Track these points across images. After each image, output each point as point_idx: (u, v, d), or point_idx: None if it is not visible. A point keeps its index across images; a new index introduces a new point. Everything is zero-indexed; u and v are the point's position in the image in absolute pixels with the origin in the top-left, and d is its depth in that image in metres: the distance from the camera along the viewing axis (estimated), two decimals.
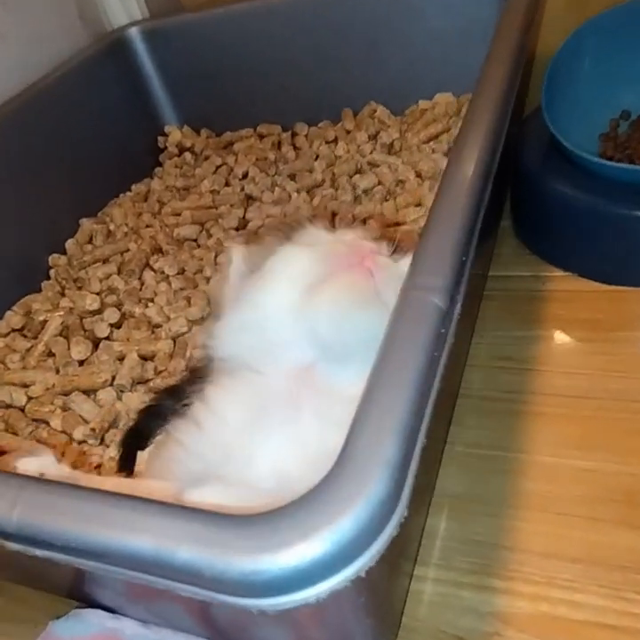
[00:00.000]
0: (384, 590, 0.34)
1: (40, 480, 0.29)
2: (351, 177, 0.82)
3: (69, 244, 0.84)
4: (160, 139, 1.00)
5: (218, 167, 0.93)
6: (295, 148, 0.92)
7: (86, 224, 0.87)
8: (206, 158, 0.95)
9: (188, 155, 0.98)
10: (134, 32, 0.94)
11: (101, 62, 0.91)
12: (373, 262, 0.41)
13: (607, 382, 0.58)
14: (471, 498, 0.52)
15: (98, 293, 0.76)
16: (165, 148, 1.00)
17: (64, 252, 0.84)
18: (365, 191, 0.79)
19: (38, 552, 0.28)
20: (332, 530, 0.23)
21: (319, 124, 0.93)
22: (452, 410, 0.57)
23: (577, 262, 0.70)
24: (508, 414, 0.57)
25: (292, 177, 0.86)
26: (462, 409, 0.58)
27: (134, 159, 0.97)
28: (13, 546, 0.29)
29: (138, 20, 0.97)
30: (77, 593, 0.47)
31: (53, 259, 0.82)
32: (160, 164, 0.99)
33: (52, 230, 0.84)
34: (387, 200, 0.76)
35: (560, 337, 0.64)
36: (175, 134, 1.00)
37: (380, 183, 0.79)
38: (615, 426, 0.54)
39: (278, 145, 0.94)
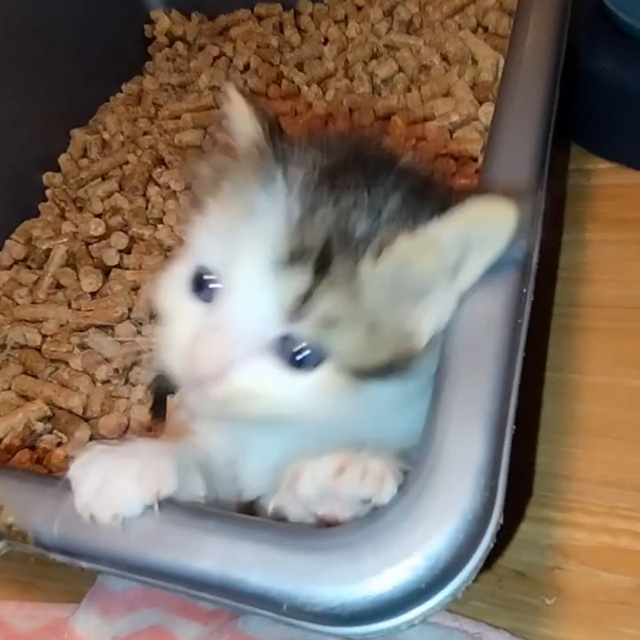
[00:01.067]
0: None
1: None
2: (367, 63, 0.73)
3: (63, 159, 0.77)
4: (147, 27, 0.90)
5: (215, 58, 0.83)
6: (300, 30, 0.82)
7: (78, 135, 0.79)
8: (201, 48, 0.85)
9: (179, 45, 0.88)
10: None
11: None
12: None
13: None
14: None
15: (100, 215, 0.70)
16: (154, 37, 0.89)
17: (58, 169, 0.77)
18: (385, 81, 0.70)
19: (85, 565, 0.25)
20: (423, 554, 0.20)
21: (325, 0, 0.82)
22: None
23: (627, 151, 0.63)
24: (559, 331, 0.53)
25: (300, 67, 0.77)
26: None
27: (121, 54, 0.87)
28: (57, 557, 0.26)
29: None
30: None
31: (48, 177, 0.76)
32: (150, 58, 0.89)
33: (43, 145, 0.77)
34: (410, 91, 0.68)
35: (610, 240, 0.58)
36: (163, 21, 0.89)
37: (400, 70, 0.70)
38: None
39: (280, 28, 0.84)
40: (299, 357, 0.29)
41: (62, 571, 0.50)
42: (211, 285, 0.31)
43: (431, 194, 0.33)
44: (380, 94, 0.70)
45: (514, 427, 0.24)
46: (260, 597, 0.21)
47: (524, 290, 0.27)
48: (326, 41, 0.78)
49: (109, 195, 0.72)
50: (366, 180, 0.32)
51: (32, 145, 0.76)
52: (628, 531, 0.43)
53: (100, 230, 0.67)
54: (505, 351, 0.24)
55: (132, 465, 0.27)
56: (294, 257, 0.28)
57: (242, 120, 0.35)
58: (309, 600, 0.20)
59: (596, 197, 0.62)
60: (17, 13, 0.74)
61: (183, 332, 0.30)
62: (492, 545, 0.22)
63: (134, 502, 0.26)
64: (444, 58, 0.69)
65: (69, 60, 0.80)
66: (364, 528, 0.21)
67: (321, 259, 0.29)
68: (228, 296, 0.30)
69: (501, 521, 0.22)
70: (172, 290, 0.32)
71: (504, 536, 0.44)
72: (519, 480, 0.40)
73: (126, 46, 0.88)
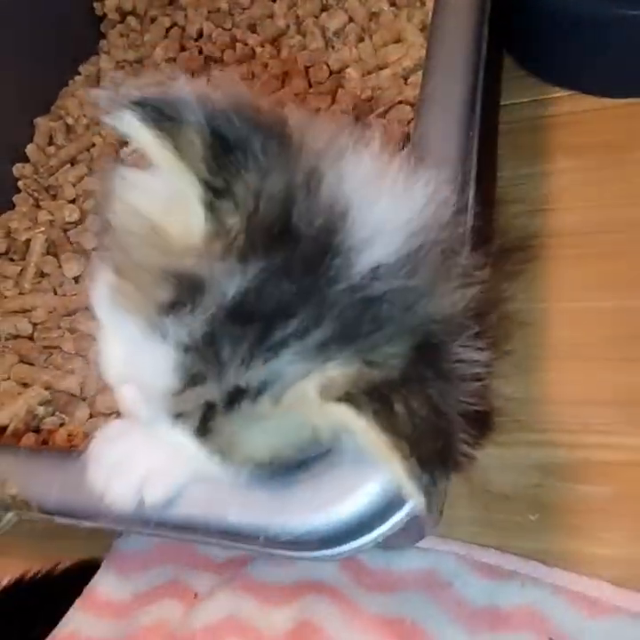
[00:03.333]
0: None
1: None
2: (318, 17, 0.73)
3: (30, 149, 0.78)
4: (96, 5, 0.89)
5: (168, 29, 0.83)
6: None
7: (42, 123, 0.79)
8: (153, 20, 0.85)
9: (131, 19, 0.87)
10: None
11: None
12: None
13: (625, 212, 0.55)
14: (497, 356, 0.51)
15: (74, 201, 0.71)
16: (104, 15, 0.89)
17: (27, 160, 0.77)
18: (336, 33, 0.70)
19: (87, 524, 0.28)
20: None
21: None
22: None
23: (581, 77, 0.64)
24: (525, 263, 0.55)
25: (253, 28, 0.77)
26: None
27: (74, 36, 0.86)
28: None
29: None
30: None
31: (18, 168, 0.76)
32: (103, 36, 0.88)
33: (8, 137, 0.77)
34: (362, 40, 0.68)
35: (570, 168, 0.60)
36: None
37: (351, 20, 0.70)
38: (637, 259, 0.52)
39: None
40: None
41: (78, 542, 0.53)
42: None
43: None
44: (333, 47, 0.70)
45: None
46: (239, 533, 0.24)
47: None
48: None
49: (80, 179, 0.73)
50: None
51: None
52: (603, 444, 0.46)
53: (76, 216, 0.68)
54: None
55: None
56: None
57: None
58: (281, 531, 0.23)
59: (553, 127, 0.62)
60: None
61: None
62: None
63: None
64: (393, 3, 0.68)
65: (23, 48, 0.79)
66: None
67: None
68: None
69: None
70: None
71: (486, 464, 0.47)
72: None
73: (78, 27, 0.87)
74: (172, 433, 0.27)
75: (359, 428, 0.23)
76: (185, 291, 0.25)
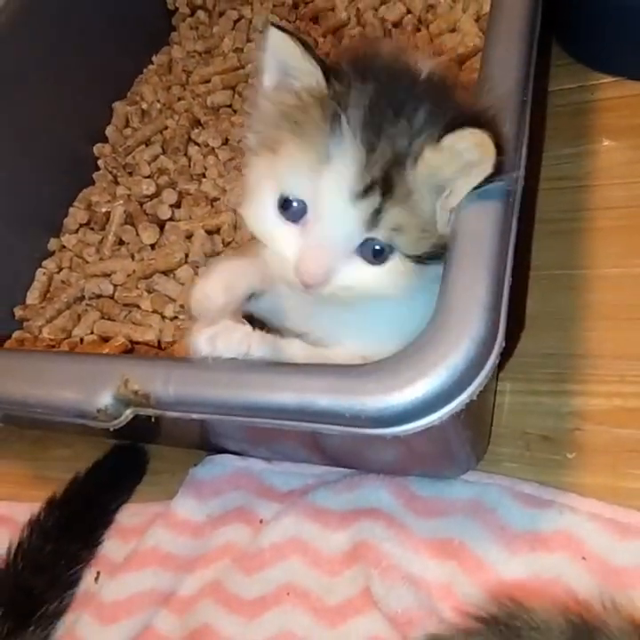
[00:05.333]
0: (478, 408, 0.40)
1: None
2: (377, 10, 0.78)
3: (109, 130, 0.85)
4: (168, 0, 0.96)
5: (235, 22, 0.89)
6: None
7: (119, 107, 0.86)
8: (221, 14, 0.91)
9: (201, 13, 0.93)
10: None
11: None
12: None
13: None
14: (542, 316, 0.56)
15: (149, 176, 0.78)
16: (176, 8, 0.96)
17: (106, 140, 0.85)
18: (395, 24, 0.76)
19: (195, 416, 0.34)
20: (445, 366, 0.28)
21: None
22: (531, 237, 0.59)
23: (626, 64, 0.67)
24: (570, 233, 0.59)
25: (315, 20, 0.83)
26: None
27: (148, 28, 0.93)
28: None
29: None
30: (208, 444, 0.55)
31: (98, 148, 0.84)
32: (175, 29, 0.95)
33: (90, 120, 0.85)
34: (419, 30, 0.73)
35: (613, 148, 0.64)
36: None
37: (409, 12, 0.75)
38: None
39: None
40: (376, 252, 0.38)
41: (157, 476, 0.59)
42: (293, 207, 0.39)
43: (448, 102, 0.39)
44: (391, 38, 0.75)
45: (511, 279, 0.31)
46: (329, 413, 0.29)
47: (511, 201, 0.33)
48: None
49: (155, 158, 0.79)
50: (399, 104, 0.39)
51: (80, 121, 0.84)
52: (637, 393, 0.50)
53: (151, 189, 0.75)
54: (497, 240, 0.31)
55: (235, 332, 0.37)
56: (366, 189, 0.37)
57: (294, 59, 0.39)
58: (364, 408, 0.28)
59: (599, 110, 0.66)
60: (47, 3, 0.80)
61: (287, 251, 0.39)
62: (497, 362, 0.29)
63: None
64: None
65: (103, 39, 0.86)
66: (401, 354, 0.29)
67: (384, 184, 0.37)
68: (321, 222, 0.38)
69: (504, 344, 0.30)
70: (263, 216, 0.40)
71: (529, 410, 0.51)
72: None
73: (152, 20, 0.95)
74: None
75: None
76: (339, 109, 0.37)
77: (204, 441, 0.54)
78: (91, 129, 0.85)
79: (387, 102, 0.38)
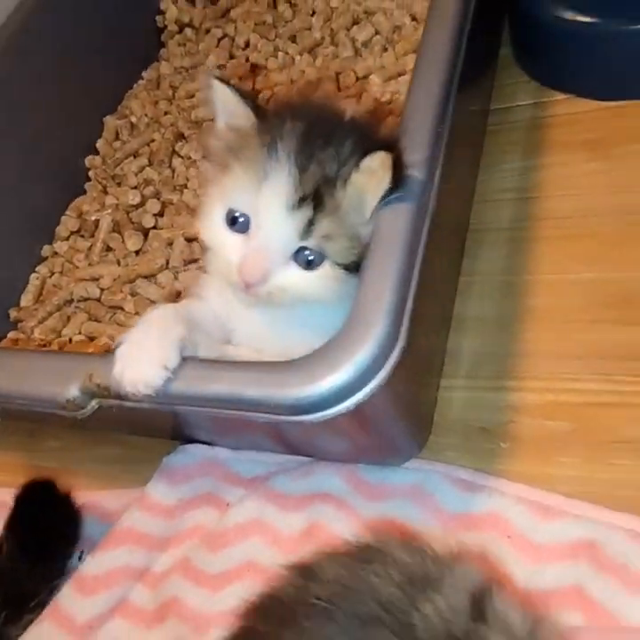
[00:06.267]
0: (409, 399, 0.45)
1: None
2: (349, 30, 0.83)
3: (100, 143, 0.90)
4: (158, 18, 1.01)
5: (220, 39, 0.95)
6: (291, 5, 0.93)
7: (110, 121, 0.92)
8: (207, 31, 0.97)
9: (188, 30, 0.99)
10: None
11: None
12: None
13: (609, 199, 0.64)
14: (487, 318, 0.61)
15: (136, 187, 0.83)
16: (165, 26, 1.01)
17: (97, 153, 0.90)
18: (364, 43, 0.81)
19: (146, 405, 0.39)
20: (351, 362, 0.33)
21: None
22: (462, 245, 0.64)
23: (577, 82, 0.72)
24: (515, 242, 0.64)
25: (293, 39, 0.88)
26: (474, 243, 0.65)
27: (138, 45, 0.99)
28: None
29: None
30: (179, 435, 0.60)
31: (89, 160, 0.89)
32: (163, 45, 1.01)
33: (82, 133, 0.90)
34: (386, 50, 0.78)
35: (562, 162, 0.68)
36: (172, 10, 1.00)
37: (377, 33, 0.80)
38: (615, 239, 0.61)
39: (274, 4, 0.94)
40: (309, 259, 0.43)
41: (137, 465, 0.64)
42: (239, 221, 0.44)
43: (370, 136, 0.45)
44: (361, 56, 0.81)
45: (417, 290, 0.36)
46: (256, 403, 0.34)
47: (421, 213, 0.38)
48: (314, 13, 0.89)
49: (141, 169, 0.85)
50: (328, 137, 0.45)
51: (73, 134, 0.89)
52: (568, 389, 0.55)
53: (137, 200, 0.81)
54: (403, 248, 0.36)
55: (148, 352, 0.41)
56: (300, 201, 0.43)
57: (235, 104, 0.47)
58: (284, 399, 0.33)
59: (551, 126, 0.71)
60: (42, 17, 0.86)
61: (232, 255, 0.44)
62: (399, 359, 0.34)
63: (153, 378, 0.39)
64: (414, 18, 0.78)
65: (95, 56, 0.92)
66: (315, 352, 0.34)
67: (316, 198, 0.43)
68: (261, 230, 0.44)
69: (405, 345, 0.35)
70: (213, 228, 0.46)
71: (468, 404, 0.56)
72: None
73: (142, 37, 1.00)
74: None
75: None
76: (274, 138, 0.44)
77: (176, 432, 0.59)
78: (83, 141, 0.90)
79: (317, 134, 0.44)
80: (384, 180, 0.41)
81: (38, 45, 0.85)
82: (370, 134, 0.45)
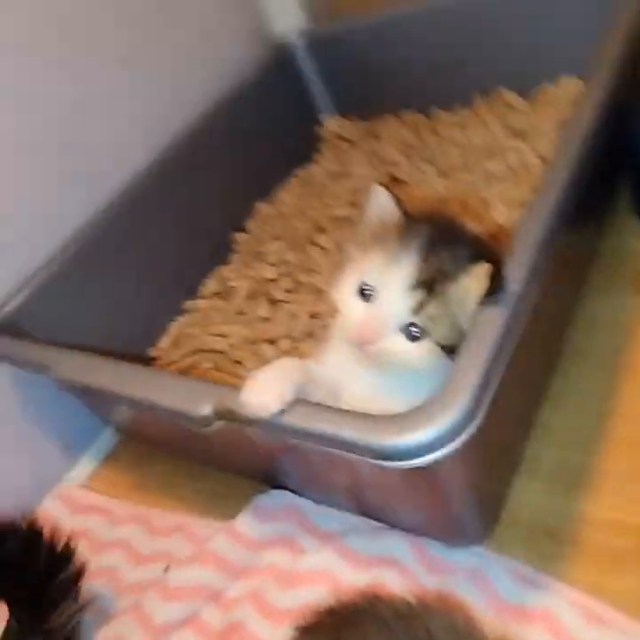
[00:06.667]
0: (481, 478, 0.51)
1: None
2: (482, 161, 0.94)
3: (249, 224, 1.05)
4: (318, 129, 1.18)
5: (368, 153, 1.09)
6: (433, 133, 1.06)
7: (262, 207, 1.07)
8: (358, 145, 1.12)
9: (342, 142, 1.14)
10: (297, 42, 1.11)
11: (269, 69, 1.10)
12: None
13: None
14: (572, 431, 0.66)
15: (274, 265, 0.96)
16: (323, 136, 1.17)
17: (245, 231, 1.05)
18: (495, 174, 0.91)
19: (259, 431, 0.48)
20: (433, 423, 0.40)
21: (454, 109, 1.06)
22: (553, 358, 0.69)
23: None
24: (607, 370, 0.69)
25: (431, 161, 1.00)
26: (572, 363, 0.71)
27: (297, 147, 1.15)
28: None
29: (301, 31, 1.13)
30: (270, 478, 0.68)
31: (238, 236, 1.04)
32: (319, 151, 1.17)
33: (236, 213, 1.05)
34: (513, 183, 0.88)
35: None
36: (331, 124, 1.17)
37: (508, 167, 0.91)
38: None
39: (418, 130, 1.08)
40: (414, 334, 0.52)
41: (223, 500, 0.72)
42: (366, 293, 0.54)
43: (480, 248, 0.54)
44: (490, 184, 0.91)
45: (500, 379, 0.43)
46: (349, 444, 0.42)
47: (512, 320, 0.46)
48: (452, 141, 1.01)
49: (281, 250, 0.98)
50: (450, 241, 0.54)
51: (228, 212, 1.05)
52: (637, 511, 0.58)
53: (273, 275, 0.93)
54: (497, 343, 0.44)
55: (270, 385, 0.49)
56: (417, 284, 0.52)
57: (387, 205, 0.57)
58: (371, 442, 0.40)
59: None
60: (224, 116, 1.03)
61: (355, 317, 0.54)
62: (475, 432, 0.41)
63: (270, 405, 0.48)
64: (542, 159, 0.88)
65: (260, 151, 1.09)
66: (407, 411, 0.41)
67: (430, 285, 0.52)
68: (382, 301, 0.53)
69: (480, 423, 0.41)
70: (346, 295, 0.56)
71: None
72: None
73: (302, 142, 1.17)
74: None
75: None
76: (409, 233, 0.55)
77: (268, 475, 0.67)
78: (235, 219, 1.05)
79: (442, 236, 0.53)
80: (483, 286, 0.49)
81: (217, 139, 1.02)
82: (484, 248, 0.54)
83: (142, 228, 0.90)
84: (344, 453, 0.43)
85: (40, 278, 0.77)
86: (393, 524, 0.61)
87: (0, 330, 0.71)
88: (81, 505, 0.80)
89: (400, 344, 0.52)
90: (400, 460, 0.41)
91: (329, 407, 0.46)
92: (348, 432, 0.42)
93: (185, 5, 1.00)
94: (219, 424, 0.50)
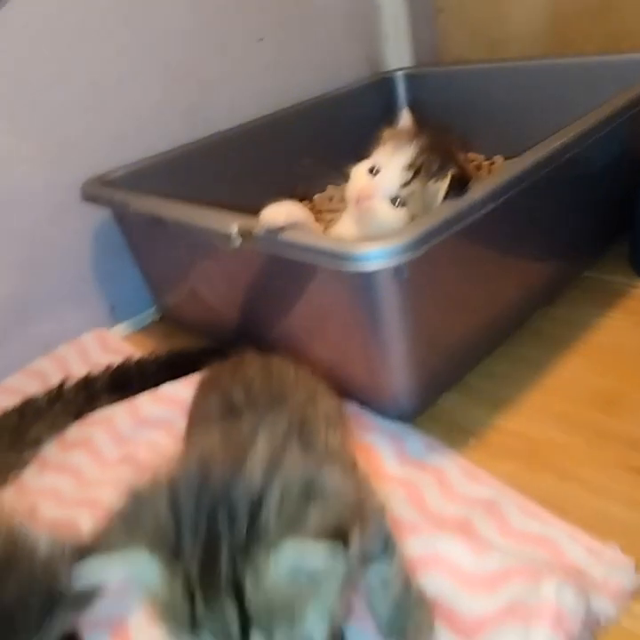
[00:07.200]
0: (419, 333, 0.67)
1: None
2: None
3: None
4: None
5: None
6: None
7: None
8: None
9: None
10: (399, 75, 1.34)
11: (366, 92, 1.32)
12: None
13: None
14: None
15: None
16: None
17: None
18: None
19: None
20: (384, 242, 0.57)
21: None
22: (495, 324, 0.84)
23: None
24: None
25: None
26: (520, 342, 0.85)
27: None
28: None
29: (404, 67, 1.37)
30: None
31: None
32: None
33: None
34: None
35: None
36: None
37: None
38: None
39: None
40: (397, 203, 0.72)
41: None
42: (373, 171, 0.75)
43: (456, 165, 0.71)
44: None
45: None
46: (329, 254, 0.60)
47: None
48: None
49: None
50: (439, 153, 0.72)
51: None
52: None
53: None
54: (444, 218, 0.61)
55: (282, 209, 0.66)
56: (409, 167, 0.72)
57: (407, 121, 0.80)
58: (344, 252, 0.58)
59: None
60: (308, 111, 1.25)
61: (360, 183, 0.76)
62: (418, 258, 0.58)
63: (279, 219, 0.64)
64: None
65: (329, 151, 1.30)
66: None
67: (417, 171, 0.73)
68: (382, 175, 0.74)
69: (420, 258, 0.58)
70: (360, 172, 0.77)
71: None
72: None
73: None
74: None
75: None
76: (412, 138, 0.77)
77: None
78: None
79: (436, 148, 0.74)
80: (446, 187, 0.67)
81: (302, 122, 1.23)
82: (461, 168, 0.73)
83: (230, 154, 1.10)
84: (321, 261, 0.61)
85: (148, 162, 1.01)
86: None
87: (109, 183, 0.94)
88: (113, 347, 0.98)
89: (385, 207, 0.72)
90: (356, 262, 0.57)
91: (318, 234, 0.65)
92: (325, 243, 0.60)
93: (318, 18, 1.26)
94: (240, 241, 0.67)
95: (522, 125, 1.21)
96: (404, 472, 0.68)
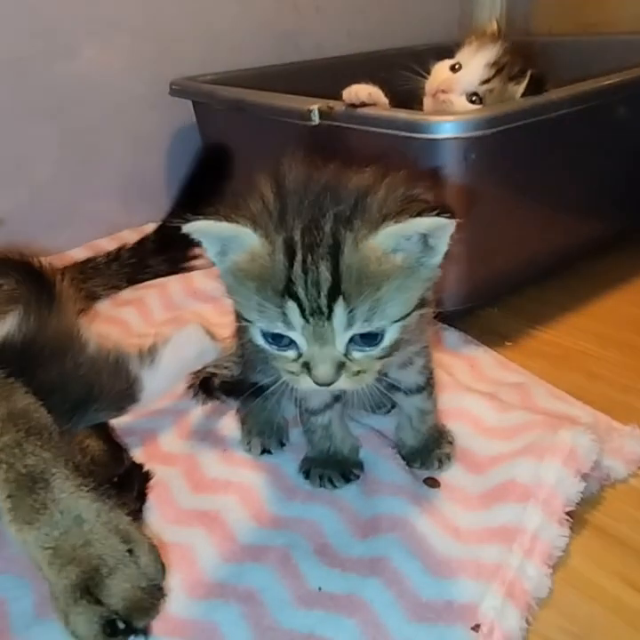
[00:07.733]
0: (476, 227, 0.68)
1: None
2: None
3: None
4: None
5: None
6: None
7: None
8: None
9: None
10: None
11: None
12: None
13: None
14: None
15: None
16: None
17: None
18: None
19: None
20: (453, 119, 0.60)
21: None
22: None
23: None
24: None
25: None
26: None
27: None
28: None
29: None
30: None
31: None
32: None
33: None
34: None
35: None
36: None
37: None
38: None
39: None
40: (473, 100, 0.75)
41: None
42: (456, 69, 0.78)
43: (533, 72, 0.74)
44: None
45: None
46: (404, 123, 0.63)
47: None
48: None
49: None
50: (521, 56, 0.75)
51: None
52: None
53: None
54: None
55: (364, 87, 0.70)
56: (491, 64, 0.76)
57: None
58: (417, 123, 0.61)
59: None
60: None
61: (441, 77, 0.78)
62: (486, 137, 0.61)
63: (362, 93, 0.69)
64: None
65: None
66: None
67: (499, 69, 0.75)
68: (463, 72, 0.77)
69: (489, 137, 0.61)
70: (442, 68, 0.80)
71: None
72: None
73: None
74: None
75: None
76: None
77: None
78: None
79: (518, 53, 0.76)
80: (523, 88, 0.71)
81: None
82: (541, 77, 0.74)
83: None
84: (397, 132, 0.64)
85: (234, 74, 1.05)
86: None
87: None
88: None
89: (462, 101, 0.74)
90: (429, 132, 0.61)
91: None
92: (402, 114, 0.64)
93: None
94: (319, 119, 0.71)
95: None
96: (437, 357, 0.70)
